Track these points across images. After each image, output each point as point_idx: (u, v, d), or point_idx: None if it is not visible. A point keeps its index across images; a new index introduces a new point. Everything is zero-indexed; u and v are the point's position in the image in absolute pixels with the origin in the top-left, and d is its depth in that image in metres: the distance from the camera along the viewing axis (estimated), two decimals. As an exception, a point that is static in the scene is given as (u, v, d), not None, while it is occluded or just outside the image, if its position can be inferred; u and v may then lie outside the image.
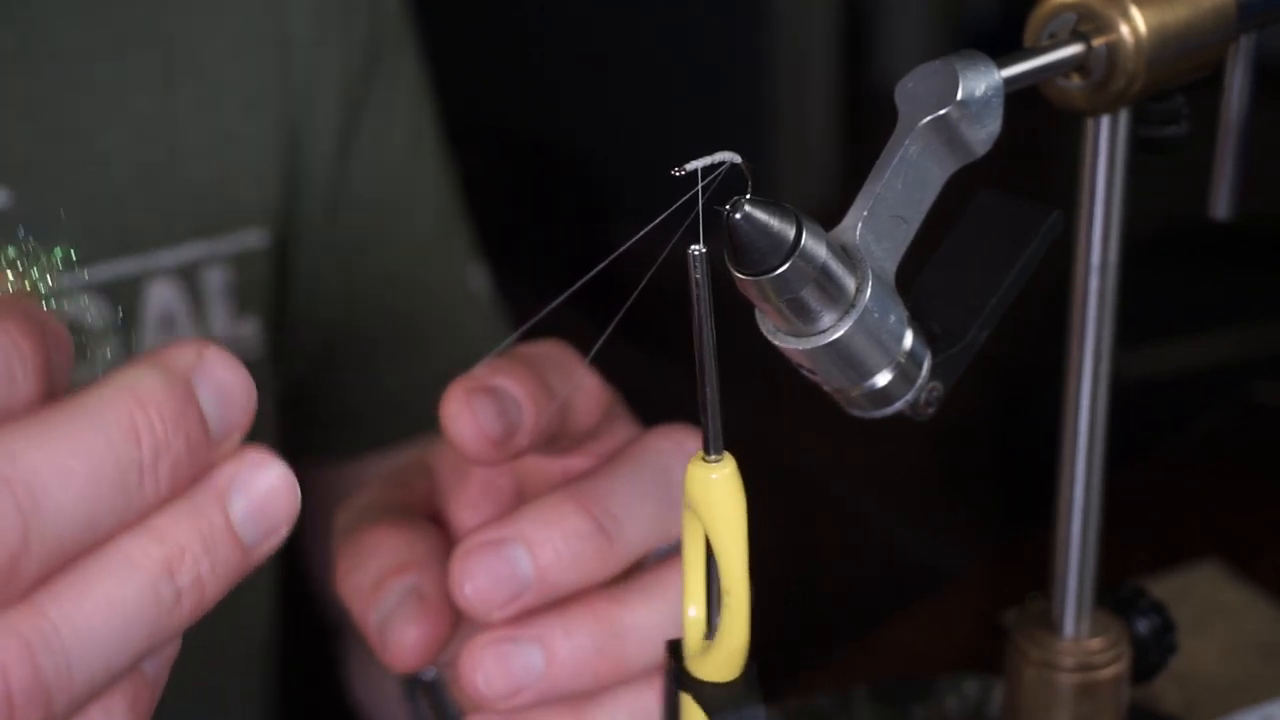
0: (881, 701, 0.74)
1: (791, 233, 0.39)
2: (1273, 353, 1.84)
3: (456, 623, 0.52)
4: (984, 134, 0.44)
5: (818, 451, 1.89)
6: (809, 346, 0.42)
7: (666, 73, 3.27)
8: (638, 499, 0.51)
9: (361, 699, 0.85)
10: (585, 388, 0.53)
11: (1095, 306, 0.55)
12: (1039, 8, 0.49)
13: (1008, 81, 0.44)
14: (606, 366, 0.57)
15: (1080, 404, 0.57)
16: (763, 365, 0.54)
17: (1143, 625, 0.61)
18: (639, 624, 0.50)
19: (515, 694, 0.49)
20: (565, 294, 0.42)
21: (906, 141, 0.43)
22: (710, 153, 0.38)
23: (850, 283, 0.42)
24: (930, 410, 0.46)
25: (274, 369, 0.76)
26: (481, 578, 0.49)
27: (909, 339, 0.44)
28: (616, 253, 0.41)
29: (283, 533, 0.35)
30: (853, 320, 0.42)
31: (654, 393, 0.65)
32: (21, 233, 0.35)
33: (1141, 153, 0.53)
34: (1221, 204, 0.56)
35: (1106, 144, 0.53)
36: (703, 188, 0.37)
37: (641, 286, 0.41)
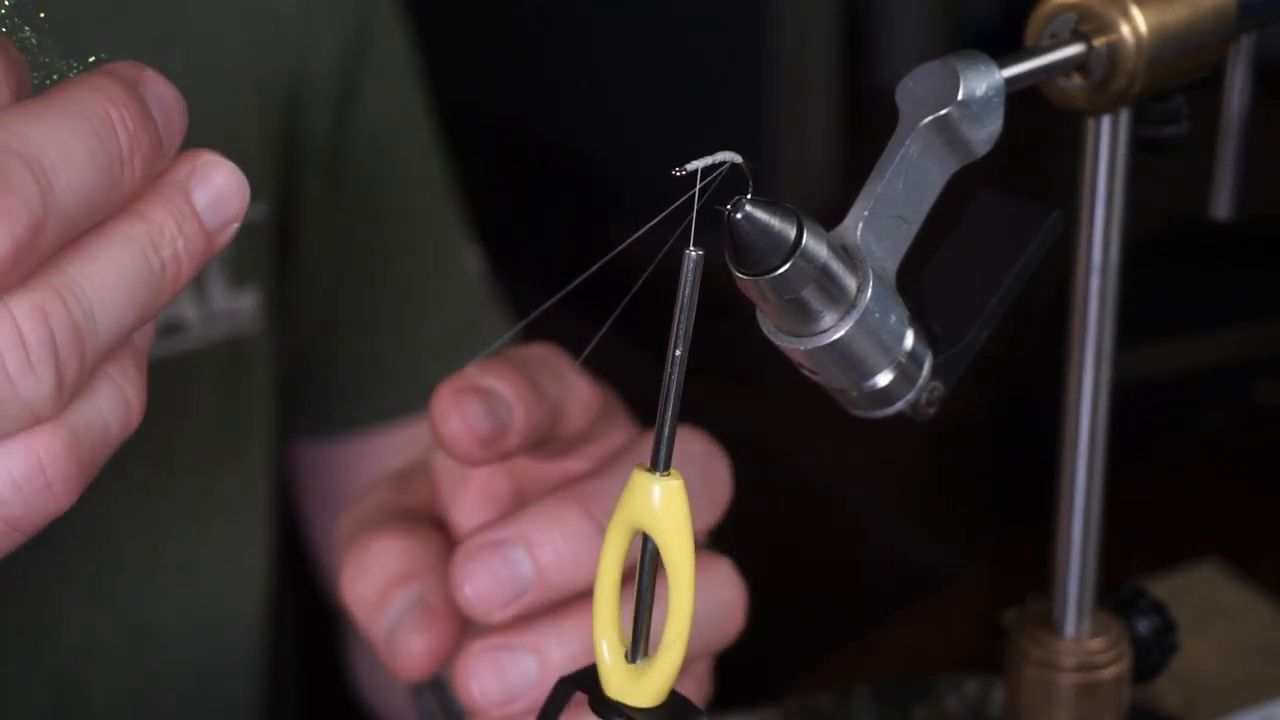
0: (881, 701, 0.74)
1: (792, 233, 0.39)
2: (1273, 353, 1.84)
3: (463, 630, 0.52)
4: (985, 134, 0.44)
5: (818, 451, 1.89)
6: (810, 346, 0.42)
7: (666, 73, 3.27)
8: None
9: (366, 687, 0.85)
10: (576, 390, 0.53)
11: (1095, 307, 0.55)
12: (1039, 8, 0.49)
13: (1008, 81, 0.44)
14: (607, 367, 0.57)
15: (1081, 404, 0.57)
16: (763, 365, 0.54)
17: (1143, 625, 0.61)
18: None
19: (510, 702, 0.50)
20: (560, 293, 0.42)
21: (907, 141, 0.43)
22: (710, 153, 0.38)
23: (851, 283, 0.42)
24: (931, 410, 0.46)
25: (273, 342, 0.76)
26: (482, 579, 0.49)
27: (910, 339, 0.44)
28: (614, 251, 0.41)
29: (236, 224, 0.39)
30: (853, 320, 0.42)
31: (656, 393, 0.65)
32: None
33: (1142, 153, 0.53)
34: (1221, 204, 0.56)
35: (1107, 144, 0.53)
36: (702, 187, 0.37)
37: (638, 287, 0.41)
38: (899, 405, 0.45)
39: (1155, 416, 1.21)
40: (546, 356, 0.53)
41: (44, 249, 0.35)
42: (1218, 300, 2.11)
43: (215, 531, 0.76)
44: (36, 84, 0.38)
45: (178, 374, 0.69)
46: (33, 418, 0.35)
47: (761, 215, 0.39)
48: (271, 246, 0.75)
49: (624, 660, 0.40)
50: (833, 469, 2.02)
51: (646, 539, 0.39)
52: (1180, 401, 1.68)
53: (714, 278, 0.39)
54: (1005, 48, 0.46)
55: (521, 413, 0.50)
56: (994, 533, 1.94)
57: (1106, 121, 0.53)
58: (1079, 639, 0.59)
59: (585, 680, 0.41)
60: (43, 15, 0.39)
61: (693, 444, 0.54)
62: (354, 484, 0.82)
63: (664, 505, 0.39)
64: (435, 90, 0.86)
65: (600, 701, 0.41)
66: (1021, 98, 0.46)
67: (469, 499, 0.56)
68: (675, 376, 0.38)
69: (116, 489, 0.69)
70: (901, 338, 0.44)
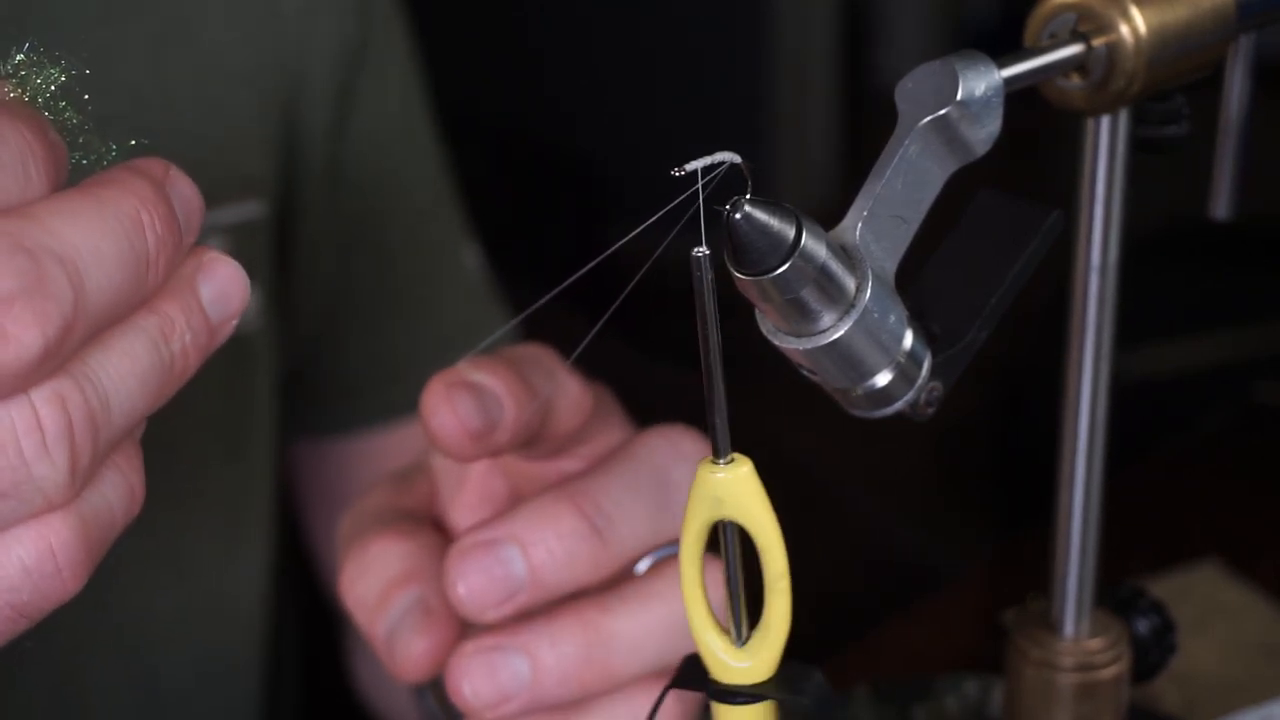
0: (881, 701, 0.74)
1: (791, 233, 0.39)
2: (1273, 353, 1.84)
3: (463, 631, 0.52)
4: (984, 134, 0.44)
5: (818, 451, 1.89)
6: (809, 346, 0.42)
7: (666, 73, 3.27)
8: (631, 498, 0.51)
9: (367, 687, 0.85)
10: (568, 390, 0.53)
11: (1095, 307, 0.55)
12: (1039, 8, 0.49)
13: (1008, 81, 0.44)
14: (607, 367, 0.57)
15: (1080, 404, 0.57)
16: (763, 365, 0.54)
17: (1143, 625, 0.61)
18: (626, 632, 0.50)
19: (502, 703, 0.50)
20: (556, 290, 0.42)
21: (906, 141, 0.43)
22: (710, 153, 0.38)
23: (850, 283, 0.42)
24: (930, 410, 0.46)
25: (274, 342, 0.76)
26: (475, 577, 0.49)
27: (909, 339, 0.44)
28: (611, 249, 0.41)
29: (235, 321, 0.40)
30: (853, 320, 0.42)
31: (655, 393, 0.65)
32: (27, 45, 0.38)
33: (1141, 153, 0.53)
34: (1221, 204, 0.56)
35: (1106, 144, 0.53)
36: (701, 187, 0.37)
37: (631, 286, 0.41)
38: (898, 405, 0.45)
39: (1155, 416, 1.21)
40: (538, 355, 0.53)
41: (71, 348, 0.35)
42: (1218, 300, 2.11)
43: (215, 531, 0.76)
44: (73, 164, 0.38)
45: None
46: (46, 503, 0.36)
47: (760, 215, 0.39)
48: (271, 246, 0.75)
49: (733, 645, 0.42)
50: (833, 469, 2.02)
51: (725, 527, 0.41)
52: (1180, 401, 1.68)
53: (716, 278, 0.39)
54: (1005, 48, 0.46)
55: (512, 409, 0.50)
56: (994, 533, 1.94)
57: (1106, 121, 0.53)
58: (1078, 639, 0.59)
59: (694, 676, 0.43)
60: (86, 97, 0.39)
61: (684, 443, 0.54)
62: (354, 484, 0.82)
63: (743, 490, 0.40)
64: (435, 90, 0.86)
65: (723, 691, 0.42)
66: (1021, 98, 0.46)
67: (466, 500, 0.56)
68: (714, 367, 0.39)
69: None
70: (901, 338, 0.44)
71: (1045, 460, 0.60)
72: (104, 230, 0.36)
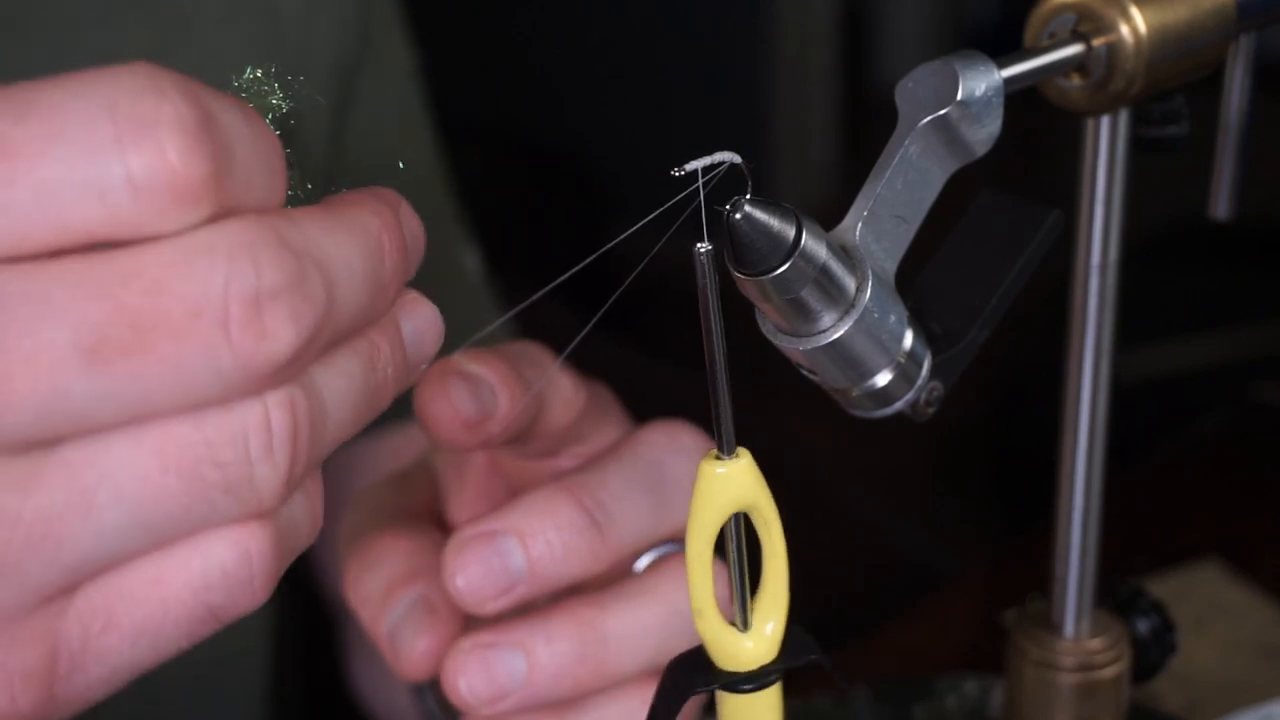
0: (881, 701, 0.74)
1: (791, 233, 0.39)
2: (1273, 353, 1.84)
3: (466, 629, 0.52)
4: (984, 134, 0.44)
5: (818, 451, 1.89)
6: (809, 346, 0.42)
7: (666, 72, 3.27)
8: (631, 492, 0.52)
9: (365, 686, 0.85)
10: (560, 386, 0.53)
11: (1095, 307, 0.55)
12: (1039, 8, 0.49)
13: (1008, 81, 0.44)
14: (608, 367, 0.57)
15: (1080, 404, 0.57)
16: (763, 365, 0.54)
17: (1143, 625, 0.61)
18: (622, 630, 0.51)
19: (498, 700, 0.50)
20: (548, 287, 0.42)
21: (907, 141, 0.43)
22: (710, 153, 0.38)
23: (850, 283, 0.42)
24: (930, 410, 0.46)
25: None
26: (473, 569, 0.49)
27: (909, 339, 0.44)
28: (605, 247, 0.41)
29: (431, 357, 0.40)
30: (853, 320, 0.42)
31: (657, 393, 0.65)
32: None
33: (1141, 153, 0.53)
34: (1221, 204, 0.56)
35: (1106, 144, 0.53)
36: (700, 186, 0.37)
37: (626, 284, 0.41)
38: (898, 405, 0.45)
39: (1155, 416, 1.22)
40: (532, 351, 0.53)
41: (313, 357, 0.35)
42: (1217, 300, 2.11)
43: None
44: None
45: None
46: (257, 506, 0.35)
47: (761, 215, 0.39)
48: None
49: (738, 633, 0.42)
50: (833, 469, 2.02)
51: (733, 518, 0.41)
52: (1180, 401, 1.68)
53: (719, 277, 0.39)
54: (1005, 48, 0.46)
55: (506, 400, 0.50)
56: (994, 533, 1.94)
57: (1106, 121, 0.53)
58: (1079, 639, 0.59)
59: (700, 675, 0.42)
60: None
61: (683, 437, 0.54)
62: (354, 484, 0.82)
63: (750, 479, 0.40)
64: (435, 90, 0.86)
65: (733, 680, 0.42)
66: (1021, 98, 0.46)
67: (467, 498, 0.56)
68: (719, 363, 0.39)
69: None
70: (901, 338, 0.44)
71: (1045, 460, 0.60)
72: (354, 245, 0.36)
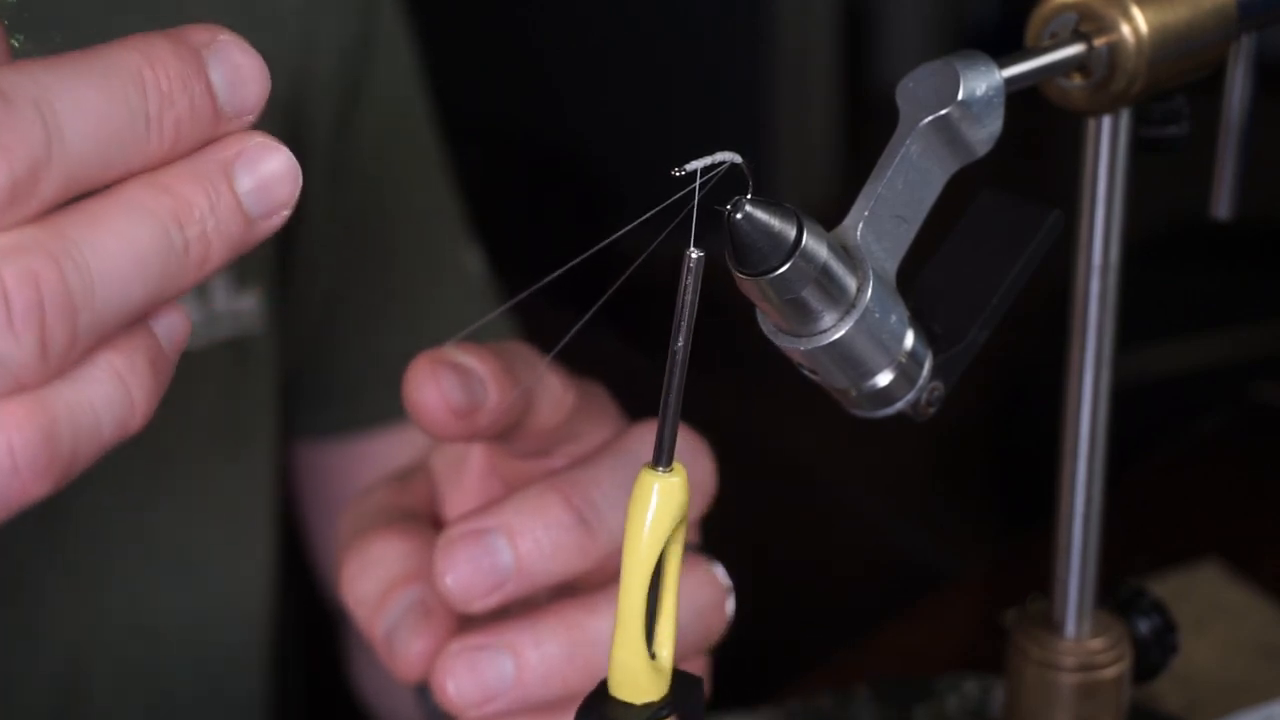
0: (881, 701, 0.74)
1: (792, 233, 0.39)
2: (1273, 353, 1.84)
3: (461, 629, 0.52)
4: (985, 134, 0.44)
5: (818, 451, 1.89)
6: (810, 347, 0.42)
7: (666, 72, 3.27)
8: (621, 490, 0.51)
9: (366, 687, 0.85)
10: (550, 385, 0.53)
11: (1096, 307, 0.55)
12: (1040, 7, 0.49)
13: (1008, 81, 0.44)
14: (610, 366, 0.57)
15: (1081, 404, 0.57)
16: (763, 365, 0.54)
17: (1143, 625, 0.61)
18: (611, 631, 0.51)
19: (486, 702, 0.50)
20: (547, 279, 0.42)
21: (907, 141, 0.43)
22: (710, 152, 0.38)
23: (851, 283, 0.42)
24: (931, 410, 0.46)
25: (276, 343, 0.76)
26: (463, 568, 0.49)
27: (910, 339, 0.44)
28: (600, 245, 0.41)
29: (284, 214, 0.37)
30: (853, 320, 0.42)
31: (652, 391, 0.65)
32: None
33: (1142, 153, 0.53)
34: (1222, 204, 0.56)
35: (1107, 144, 0.53)
36: (700, 186, 0.37)
37: (621, 281, 0.41)
38: (899, 405, 0.45)
39: (1155, 416, 1.22)
40: (524, 351, 0.53)
41: (45, 196, 0.33)
42: (1217, 300, 2.11)
43: (217, 531, 0.76)
44: None
45: (179, 374, 0.69)
46: (13, 383, 0.33)
47: (761, 215, 0.39)
48: (274, 246, 0.75)
49: (649, 660, 0.41)
50: (833, 469, 2.02)
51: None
52: (1180, 401, 1.69)
53: (713, 277, 0.39)
54: (1006, 47, 0.46)
55: (495, 392, 0.50)
56: (994, 533, 1.94)
57: (1107, 121, 0.53)
58: (1079, 639, 0.59)
59: (599, 701, 0.41)
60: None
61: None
62: (352, 486, 0.82)
63: (652, 499, 0.39)
64: (435, 90, 0.86)
65: (627, 713, 0.41)
66: (1022, 98, 0.46)
67: (463, 499, 0.56)
68: (676, 376, 0.38)
69: (117, 488, 0.69)
70: (901, 338, 0.44)
71: (1046, 460, 0.60)
72: (91, 81, 0.33)
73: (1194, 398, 1.75)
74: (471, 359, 0.50)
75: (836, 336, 0.42)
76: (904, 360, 0.44)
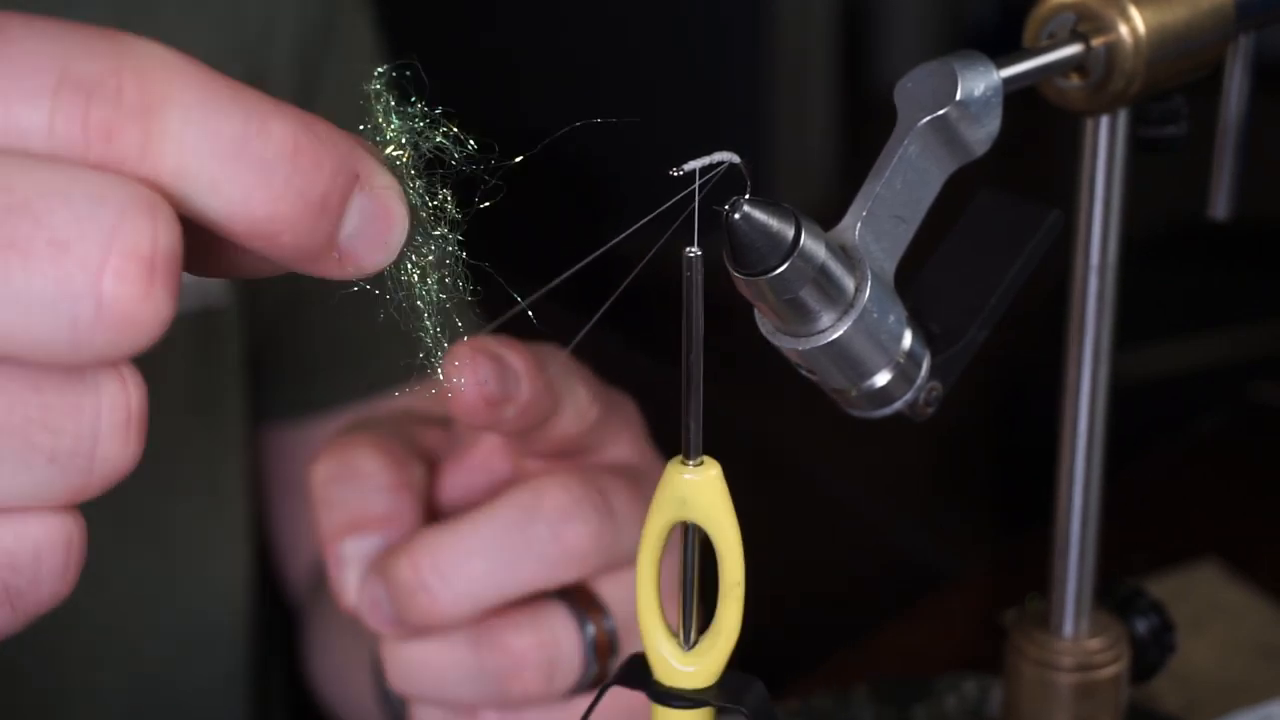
0: (881, 701, 0.74)
1: (790, 233, 0.39)
2: (1271, 353, 1.84)
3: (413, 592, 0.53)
4: (983, 134, 0.44)
5: (818, 452, 1.89)
6: (808, 347, 0.42)
7: (666, 73, 3.27)
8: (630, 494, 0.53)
9: (320, 677, 0.85)
10: (577, 395, 0.54)
11: (1095, 307, 0.55)
12: (1038, 8, 0.49)
13: (1006, 82, 0.44)
14: (610, 367, 0.57)
15: (1079, 404, 0.57)
16: (762, 365, 0.54)
17: (1142, 625, 0.61)
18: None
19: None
20: (550, 285, 0.42)
21: (906, 141, 0.43)
22: (709, 153, 0.38)
23: (849, 283, 0.42)
24: (929, 410, 0.46)
25: (243, 315, 0.76)
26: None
27: (908, 339, 0.44)
28: (602, 249, 0.41)
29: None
30: (852, 320, 0.42)
31: (652, 391, 0.65)
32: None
33: (1141, 153, 0.53)
34: (1221, 204, 0.56)
35: (1106, 144, 0.53)
36: (699, 187, 0.37)
37: (626, 283, 0.41)
38: (897, 405, 0.45)
39: (1154, 416, 1.22)
40: (558, 355, 0.54)
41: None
42: (1217, 300, 2.11)
43: (191, 501, 0.76)
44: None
45: None
46: (86, 489, 0.32)
47: (760, 215, 0.39)
48: None
49: (679, 648, 0.41)
50: (833, 469, 2.02)
51: (689, 529, 0.40)
52: (1180, 401, 1.69)
53: (712, 277, 0.39)
54: (1004, 48, 0.46)
55: (528, 389, 0.50)
56: (993, 533, 1.94)
57: (1105, 121, 0.53)
58: (1078, 639, 0.59)
59: (637, 675, 0.42)
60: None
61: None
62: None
63: (710, 492, 0.39)
64: (436, 89, 0.86)
65: (664, 693, 0.41)
66: (1021, 97, 0.46)
67: (467, 461, 0.57)
68: (695, 367, 0.38)
69: None
70: (900, 337, 0.44)
71: (1045, 460, 0.60)
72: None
73: (1193, 398, 1.75)
74: (510, 353, 0.51)
75: (835, 336, 0.42)
76: (902, 360, 0.44)
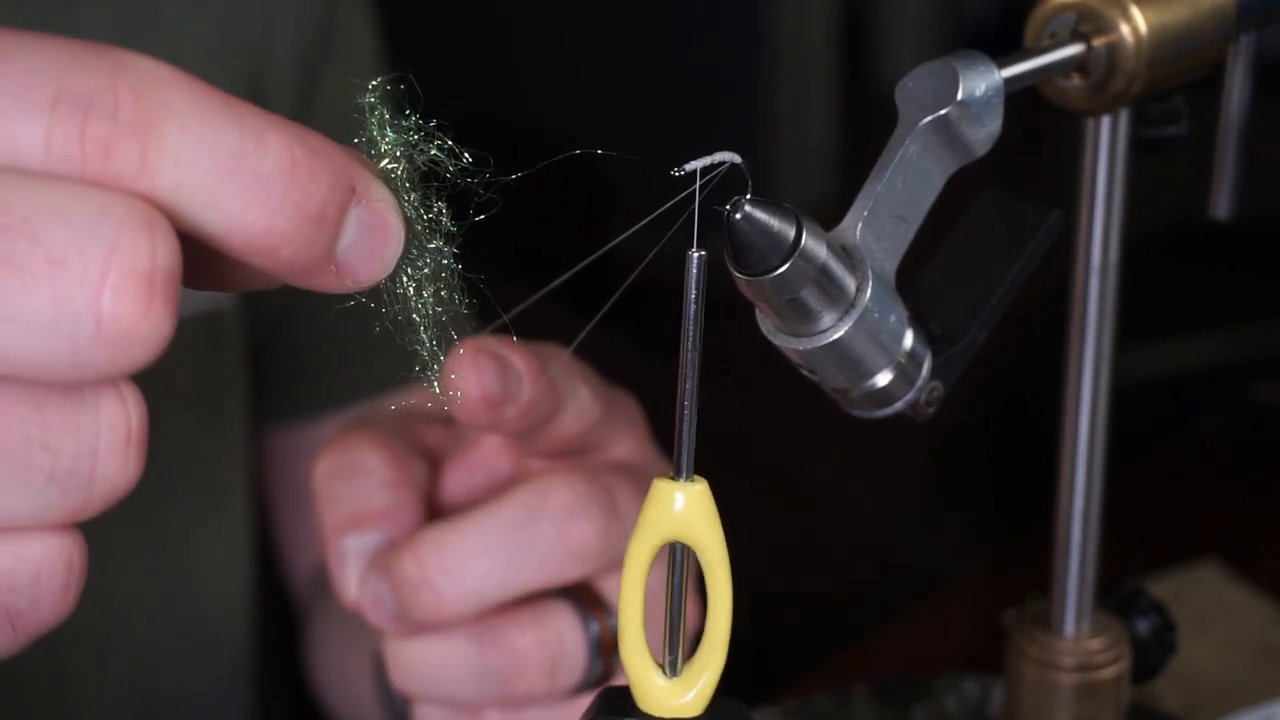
0: (881, 701, 0.74)
1: (791, 233, 0.39)
2: (1272, 353, 1.84)
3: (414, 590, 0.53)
4: (984, 134, 0.44)
5: (818, 452, 1.89)
6: (809, 347, 0.42)
7: (666, 72, 3.27)
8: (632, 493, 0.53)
9: (320, 678, 0.85)
10: (579, 396, 0.54)
11: (1095, 307, 0.55)
12: (1039, 8, 0.49)
13: (1008, 81, 0.44)
14: (610, 367, 0.57)
15: (1080, 404, 0.57)
16: (763, 365, 0.54)
17: (1143, 625, 0.61)
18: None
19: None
20: (551, 285, 0.42)
21: (907, 141, 0.43)
22: (709, 153, 0.37)
23: (850, 283, 0.42)
24: (930, 410, 0.46)
25: (243, 322, 0.77)
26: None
27: (909, 339, 0.44)
28: (603, 249, 0.41)
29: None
30: (853, 320, 0.42)
31: (653, 391, 0.65)
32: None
33: (1141, 153, 0.53)
34: (1221, 204, 0.56)
35: (1107, 144, 0.53)
36: (700, 187, 0.37)
37: (627, 284, 0.41)
38: (898, 405, 0.45)
39: (1155, 417, 1.22)
40: (558, 354, 0.54)
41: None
42: (1217, 300, 2.11)
43: (193, 501, 0.76)
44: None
45: None
46: (86, 509, 0.31)
47: (760, 215, 0.39)
48: None
49: (663, 674, 0.39)
50: (833, 469, 2.02)
51: (675, 548, 0.39)
52: (1180, 401, 1.69)
53: (712, 277, 0.39)
54: (1005, 48, 0.46)
55: (529, 390, 0.50)
56: (993, 533, 1.94)
57: (1106, 121, 0.53)
58: (1078, 639, 0.59)
59: (618, 707, 0.40)
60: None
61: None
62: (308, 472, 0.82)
63: (701, 510, 0.38)
64: (436, 89, 0.86)
65: (632, 711, 0.39)
66: (1021, 97, 0.46)
67: (469, 460, 0.57)
68: (690, 383, 0.38)
69: None
70: (901, 338, 0.44)
71: (1045, 460, 0.60)
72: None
73: (1194, 398, 1.75)
74: (513, 353, 0.51)
75: (836, 336, 0.42)
76: (903, 360, 0.44)
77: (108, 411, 0.31)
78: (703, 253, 0.37)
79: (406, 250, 0.36)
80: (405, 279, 0.37)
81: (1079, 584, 0.59)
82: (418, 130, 0.37)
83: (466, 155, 0.37)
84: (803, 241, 0.39)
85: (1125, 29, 0.47)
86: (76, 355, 0.29)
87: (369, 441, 0.56)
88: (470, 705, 0.54)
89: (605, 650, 0.54)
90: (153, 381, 0.34)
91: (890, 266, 0.43)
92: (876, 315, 0.42)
